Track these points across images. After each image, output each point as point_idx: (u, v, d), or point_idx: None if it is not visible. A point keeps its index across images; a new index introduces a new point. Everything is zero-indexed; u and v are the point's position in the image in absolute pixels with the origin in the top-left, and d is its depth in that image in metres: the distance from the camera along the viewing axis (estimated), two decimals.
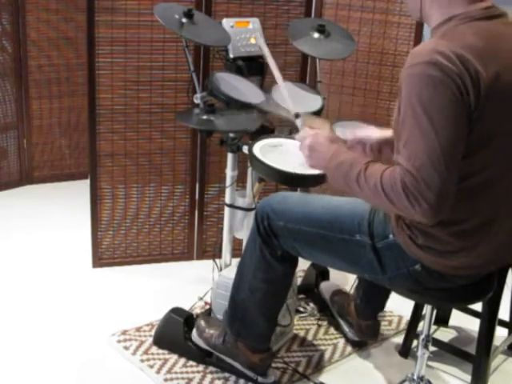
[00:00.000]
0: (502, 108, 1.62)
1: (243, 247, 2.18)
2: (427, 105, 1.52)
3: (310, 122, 1.97)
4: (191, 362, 2.34)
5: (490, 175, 1.67)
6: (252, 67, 2.50)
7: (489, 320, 2.21)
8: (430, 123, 1.52)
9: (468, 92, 1.53)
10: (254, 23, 2.57)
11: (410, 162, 1.54)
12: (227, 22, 2.51)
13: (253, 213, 2.29)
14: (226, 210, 2.45)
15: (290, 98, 2.06)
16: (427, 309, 2.04)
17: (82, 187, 3.44)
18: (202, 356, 2.32)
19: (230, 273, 2.36)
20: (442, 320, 2.64)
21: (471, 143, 1.59)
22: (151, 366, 2.32)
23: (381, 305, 2.44)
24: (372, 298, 2.39)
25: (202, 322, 2.30)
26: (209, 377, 2.28)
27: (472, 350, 2.28)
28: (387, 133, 2.00)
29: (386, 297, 2.39)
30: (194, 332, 2.30)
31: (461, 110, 1.54)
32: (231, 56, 2.48)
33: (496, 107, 1.60)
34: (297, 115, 1.99)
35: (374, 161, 1.68)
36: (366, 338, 2.47)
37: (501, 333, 2.43)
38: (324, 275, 2.75)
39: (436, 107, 1.52)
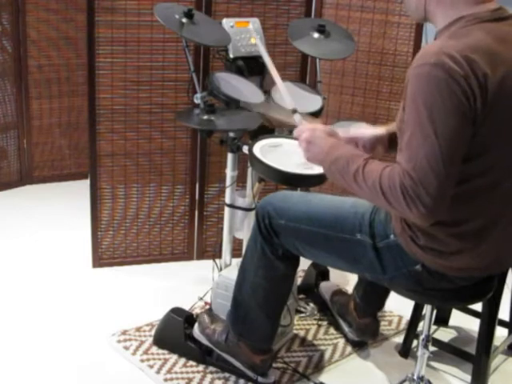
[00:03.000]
0: (507, 112, 1.61)
1: (243, 247, 2.18)
2: (431, 106, 1.52)
3: (308, 120, 1.96)
4: (191, 362, 2.34)
5: (492, 178, 1.66)
6: (252, 67, 2.50)
7: (489, 320, 2.21)
8: (432, 125, 1.51)
9: (474, 95, 1.52)
10: (253, 23, 2.57)
11: (410, 163, 1.53)
12: (227, 22, 2.51)
13: (253, 213, 2.29)
14: (226, 210, 2.45)
15: (289, 95, 2.05)
16: (427, 309, 2.04)
17: (82, 187, 3.44)
18: (202, 356, 2.32)
19: (230, 273, 2.36)
20: (442, 320, 2.64)
21: (475, 146, 1.59)
22: (151, 366, 2.32)
23: (380, 304, 2.43)
24: (371, 297, 2.39)
25: (206, 317, 2.29)
26: (209, 377, 2.28)
27: (472, 350, 2.28)
28: (380, 130, 2.00)
29: (386, 296, 2.39)
30: (196, 328, 2.29)
31: (465, 113, 1.52)
32: (231, 56, 2.48)
33: (502, 111, 1.59)
34: (294, 111, 1.98)
35: (373, 157, 1.68)
36: (365, 337, 2.47)
37: (501, 333, 2.43)
38: (324, 275, 2.75)
39: (439, 109, 1.51)
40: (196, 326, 2.30)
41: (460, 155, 1.56)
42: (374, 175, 1.60)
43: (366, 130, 2.01)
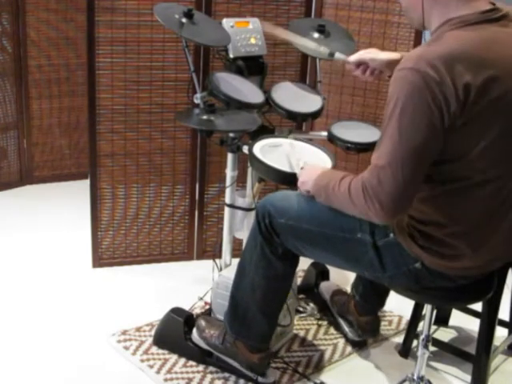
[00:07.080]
0: (491, 114, 1.61)
1: (243, 247, 2.18)
2: (401, 110, 1.56)
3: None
4: (191, 362, 2.34)
5: (482, 178, 1.67)
6: (252, 67, 2.50)
7: (489, 320, 2.21)
8: (399, 130, 1.57)
9: (448, 102, 1.54)
10: (253, 23, 2.57)
11: (375, 161, 1.61)
12: (227, 22, 2.50)
13: (253, 213, 2.29)
14: (226, 210, 2.45)
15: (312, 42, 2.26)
16: (427, 309, 2.04)
17: (82, 187, 3.44)
18: (202, 356, 2.32)
19: (230, 273, 2.36)
20: (442, 320, 2.64)
21: (460, 147, 1.61)
22: (151, 366, 2.32)
23: (381, 301, 2.43)
24: (371, 294, 2.39)
25: (203, 322, 2.30)
26: (209, 377, 2.28)
27: (472, 350, 2.29)
28: (394, 55, 2.02)
29: (386, 293, 2.39)
30: (195, 332, 2.30)
31: (434, 121, 1.55)
32: (231, 56, 2.48)
33: (486, 114, 1.59)
34: (331, 54, 2.23)
35: (352, 175, 1.75)
36: (366, 334, 2.47)
37: (501, 333, 2.43)
38: (324, 275, 2.75)
39: (408, 115, 1.56)
40: (194, 330, 2.31)
41: (426, 161, 1.60)
42: (347, 182, 1.71)
43: (376, 55, 2.03)
